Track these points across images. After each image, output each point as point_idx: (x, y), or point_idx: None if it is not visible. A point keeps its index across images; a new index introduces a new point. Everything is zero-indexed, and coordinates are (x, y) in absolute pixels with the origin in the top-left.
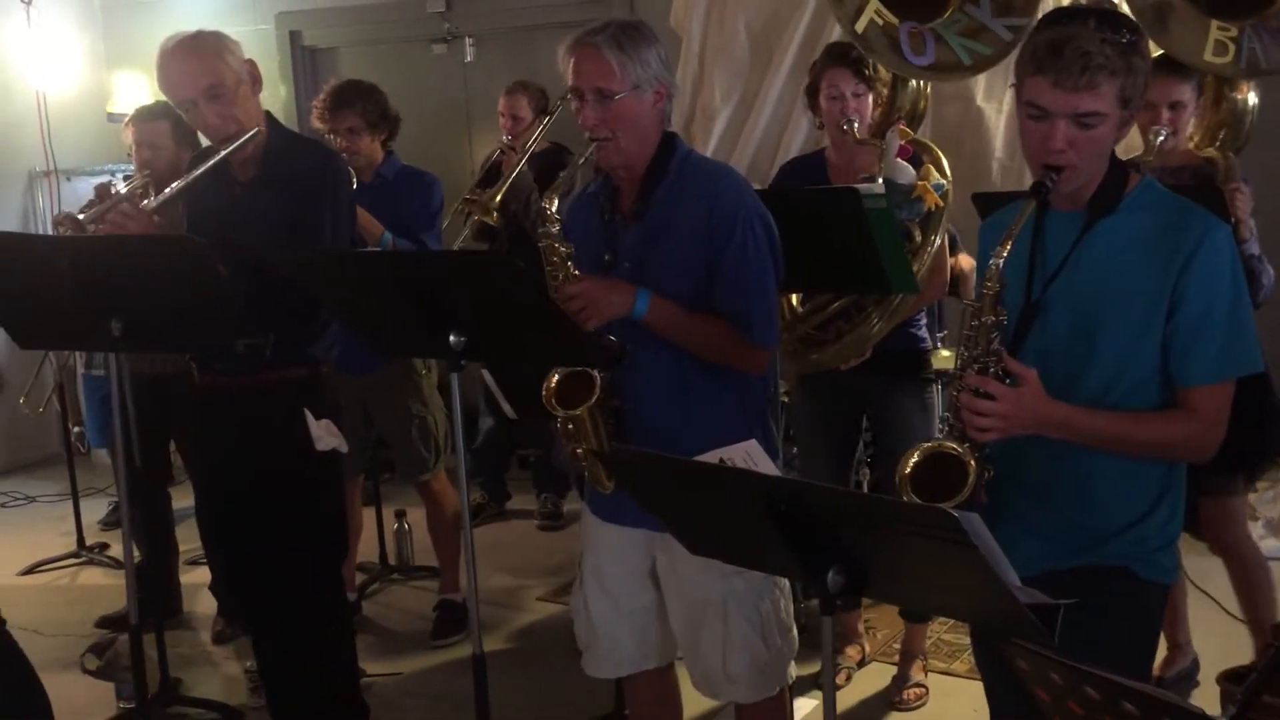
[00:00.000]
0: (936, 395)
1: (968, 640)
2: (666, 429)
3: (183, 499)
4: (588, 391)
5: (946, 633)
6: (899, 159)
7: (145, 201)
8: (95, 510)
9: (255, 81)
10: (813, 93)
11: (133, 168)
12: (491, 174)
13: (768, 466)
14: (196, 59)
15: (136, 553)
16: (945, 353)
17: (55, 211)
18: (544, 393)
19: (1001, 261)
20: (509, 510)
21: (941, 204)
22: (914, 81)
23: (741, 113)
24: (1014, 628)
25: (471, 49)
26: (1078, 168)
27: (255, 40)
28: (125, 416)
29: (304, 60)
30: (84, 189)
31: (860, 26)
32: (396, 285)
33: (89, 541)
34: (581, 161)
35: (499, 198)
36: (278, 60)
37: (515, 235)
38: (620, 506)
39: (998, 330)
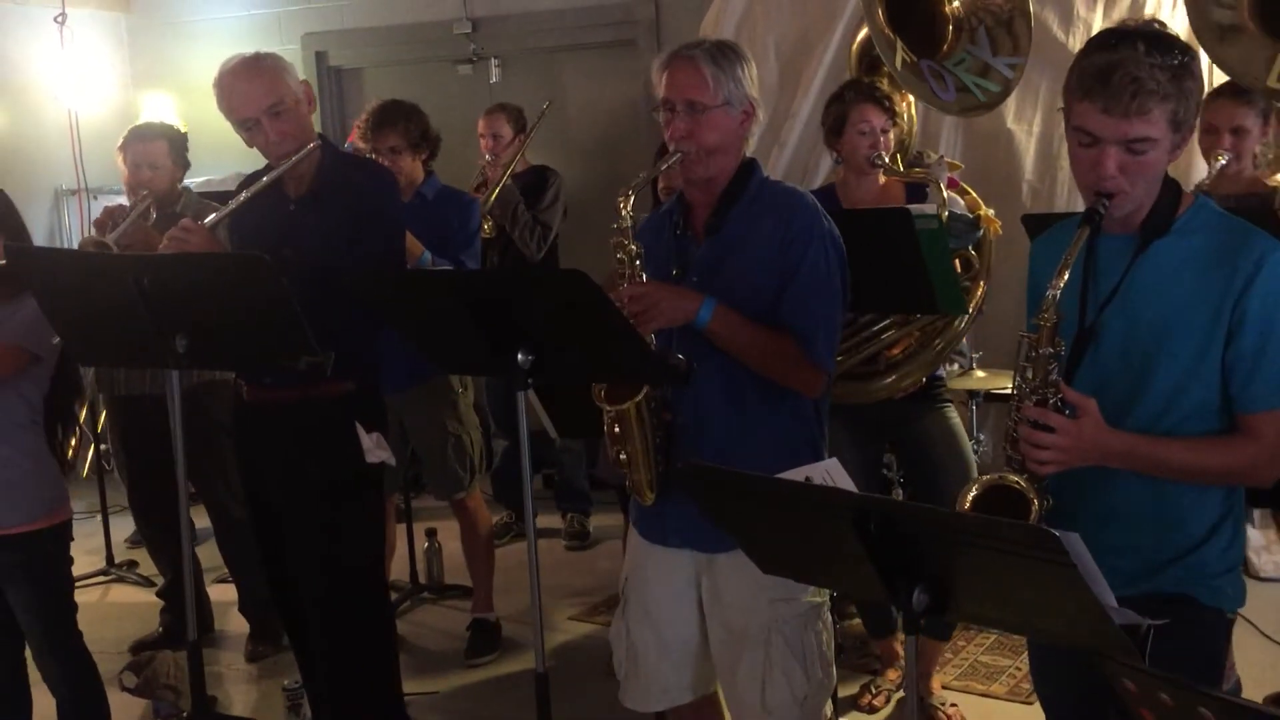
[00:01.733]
0: (956, 414)
1: (1005, 662)
2: (718, 445)
3: (198, 520)
4: (633, 390)
5: (984, 654)
6: (949, 190)
7: (207, 219)
8: (122, 528)
9: (310, 101)
10: (838, 128)
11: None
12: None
13: (848, 486)
14: (260, 79)
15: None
16: (980, 373)
17: (84, 229)
18: (594, 388)
19: (1058, 293)
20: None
21: (1000, 232)
22: (908, 114)
23: (770, 135)
24: (1106, 648)
25: (497, 70)
26: (1129, 193)
27: None
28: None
29: (330, 81)
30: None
31: (898, 65)
32: (464, 303)
33: (117, 559)
34: (665, 167)
35: (488, 206)
36: None
37: (504, 246)
38: (665, 526)
39: (1055, 361)
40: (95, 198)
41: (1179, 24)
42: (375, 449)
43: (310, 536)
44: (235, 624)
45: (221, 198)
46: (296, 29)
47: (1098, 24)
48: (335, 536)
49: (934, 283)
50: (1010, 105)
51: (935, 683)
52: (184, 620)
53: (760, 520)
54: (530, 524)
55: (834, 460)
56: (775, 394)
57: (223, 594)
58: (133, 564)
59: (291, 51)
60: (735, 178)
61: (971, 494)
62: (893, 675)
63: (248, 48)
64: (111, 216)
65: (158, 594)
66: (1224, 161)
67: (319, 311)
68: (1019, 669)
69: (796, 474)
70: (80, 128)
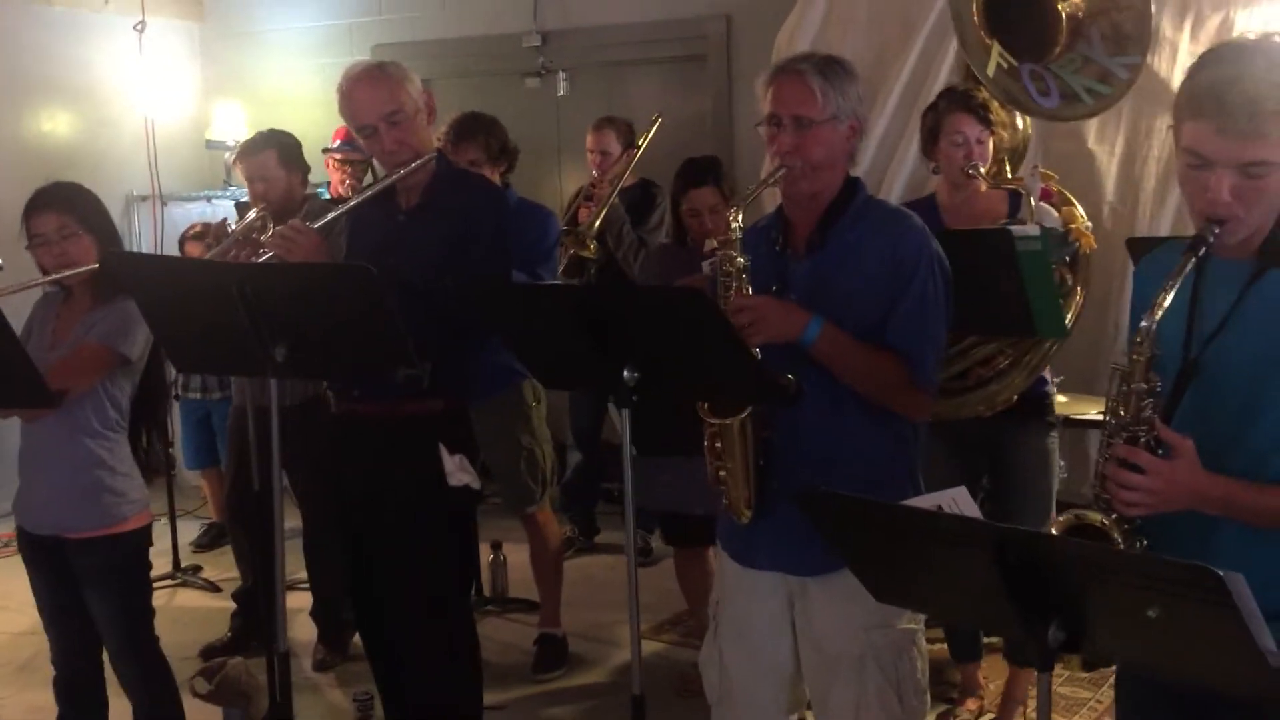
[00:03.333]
0: (1056, 442)
1: (1085, 694)
2: (816, 464)
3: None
4: (739, 405)
5: (1062, 685)
6: (1043, 202)
7: (313, 223)
8: (187, 532)
9: (430, 112)
10: (932, 138)
11: (235, 197)
12: (575, 210)
13: (974, 514)
14: (381, 86)
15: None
16: (1061, 398)
17: (156, 236)
18: (699, 403)
19: (1154, 325)
20: (599, 544)
21: (1094, 245)
22: (1019, 123)
23: None
24: (1261, 694)
25: (565, 83)
26: (1243, 219)
27: None
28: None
29: None
30: (180, 214)
31: (990, 71)
32: (574, 318)
33: (183, 564)
34: (772, 182)
35: (595, 227)
36: None
37: (604, 267)
38: (756, 548)
39: (1150, 397)
40: (165, 204)
41: None
42: (458, 472)
43: (392, 556)
44: (303, 631)
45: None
46: (367, 40)
47: (1184, 45)
48: (418, 557)
49: (1032, 306)
50: (1092, 126)
51: (1020, 714)
52: (256, 625)
53: (886, 549)
54: (631, 552)
55: (961, 489)
56: (878, 414)
57: (294, 602)
58: (197, 568)
59: None
60: (839, 194)
61: (1053, 531)
62: (971, 705)
63: (318, 58)
64: (213, 234)
65: (233, 596)
66: None
67: (417, 325)
68: (1099, 702)
69: (925, 501)
70: (155, 135)
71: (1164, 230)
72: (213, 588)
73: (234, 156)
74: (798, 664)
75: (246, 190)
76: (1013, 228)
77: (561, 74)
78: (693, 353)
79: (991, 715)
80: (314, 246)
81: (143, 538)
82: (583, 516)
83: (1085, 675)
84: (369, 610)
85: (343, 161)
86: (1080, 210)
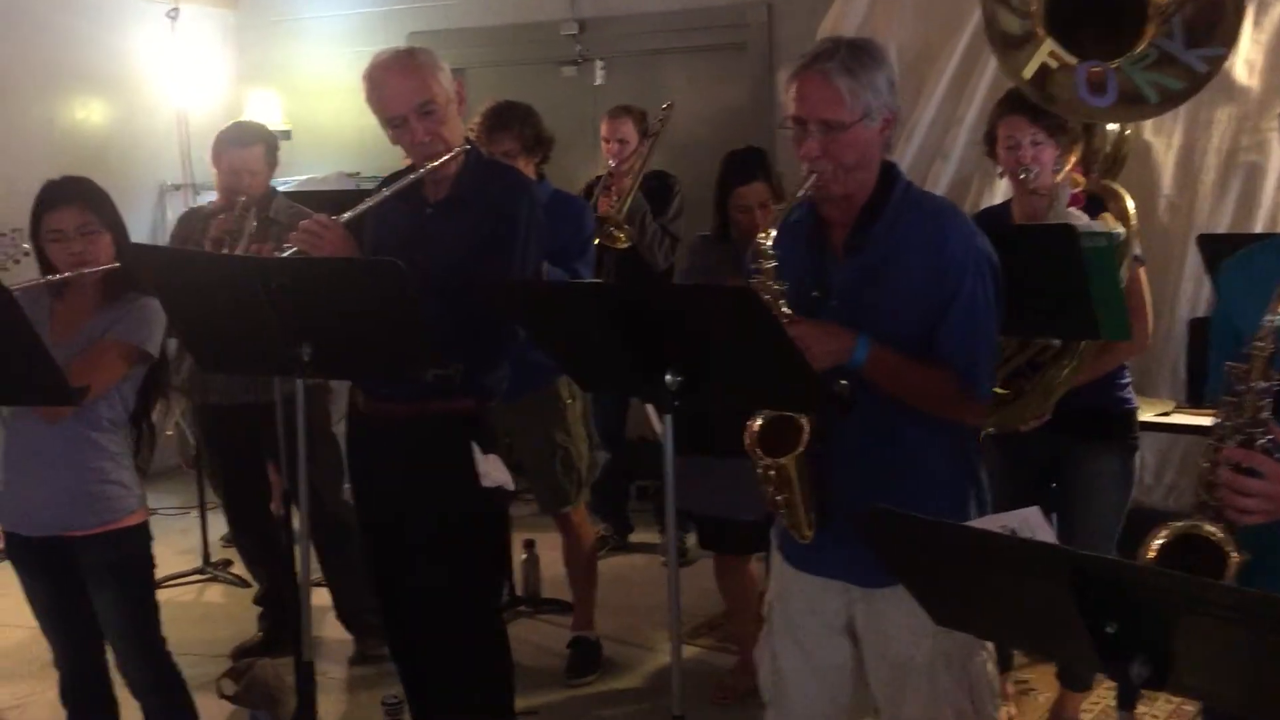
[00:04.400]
0: (1136, 460)
1: (1140, 710)
2: (871, 479)
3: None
4: (795, 436)
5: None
6: (1071, 208)
7: (343, 215)
8: (216, 526)
9: (461, 101)
10: (991, 141)
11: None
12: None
13: (1048, 537)
14: (413, 75)
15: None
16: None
17: None
18: (747, 438)
19: (1278, 319)
20: (632, 544)
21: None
22: (1111, 124)
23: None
24: None
25: (602, 72)
26: None
27: None
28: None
29: None
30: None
31: (1028, 73)
32: (614, 318)
33: (213, 558)
34: (802, 194)
35: (623, 214)
36: None
37: (622, 257)
38: (818, 555)
39: (1269, 397)
40: (198, 194)
41: None
42: (492, 472)
43: (425, 558)
44: (330, 630)
45: (319, 198)
46: (403, 27)
47: (1246, 34)
48: (451, 559)
49: (1097, 307)
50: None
51: None
52: (283, 626)
53: (950, 572)
54: (674, 565)
55: (1034, 509)
56: (931, 421)
57: (317, 598)
58: (227, 563)
59: None
60: (876, 190)
61: (1158, 542)
62: (1000, 716)
63: (353, 46)
64: (227, 233)
65: (255, 601)
66: None
67: (447, 322)
68: (1155, 717)
69: (991, 522)
70: (189, 124)
71: (1223, 225)
72: (242, 583)
73: (217, 147)
74: (858, 668)
75: (223, 182)
76: (1079, 225)
77: (599, 62)
78: (741, 357)
79: None
80: (341, 241)
81: (146, 533)
82: (615, 515)
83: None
84: (398, 613)
85: None
86: (1130, 205)
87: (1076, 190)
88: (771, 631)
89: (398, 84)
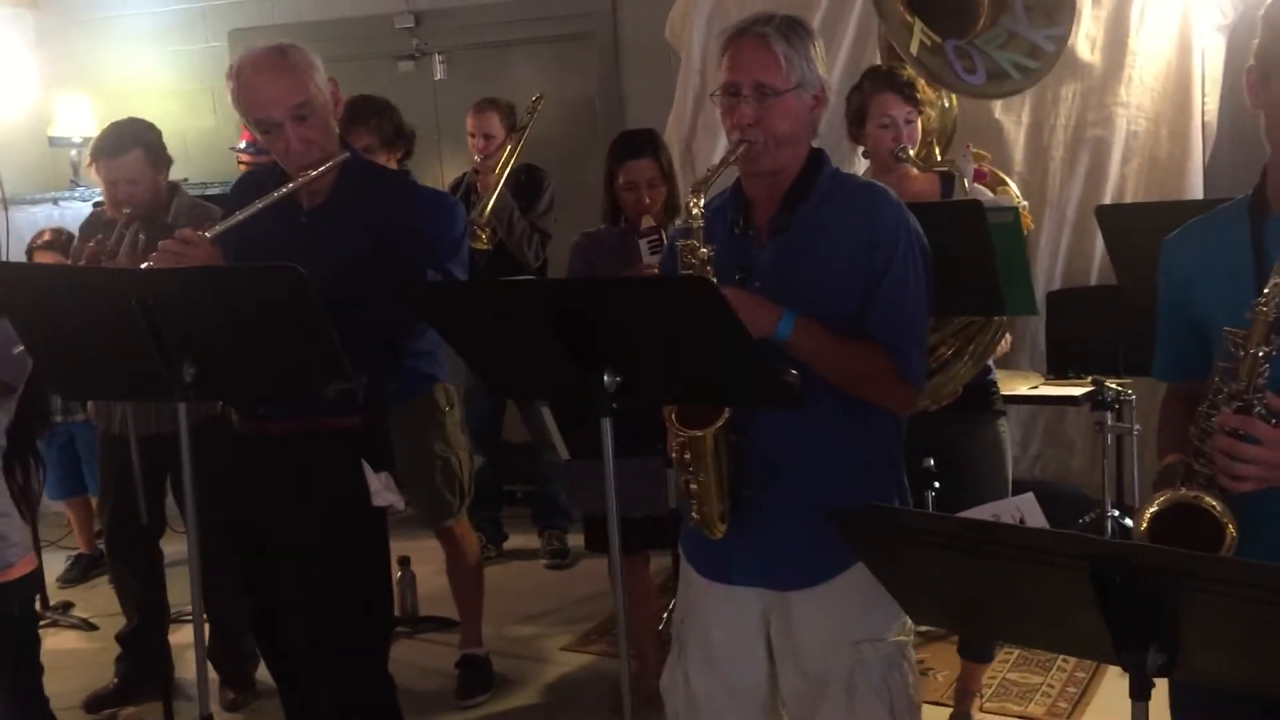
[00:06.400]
0: (1006, 429)
1: (1036, 679)
2: (794, 469)
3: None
4: (714, 412)
5: (1011, 672)
6: (978, 184)
7: (210, 231)
8: (52, 567)
9: (338, 104)
10: (859, 120)
11: (84, 197)
12: (464, 198)
13: (1041, 523)
14: (287, 76)
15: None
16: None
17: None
18: (666, 410)
19: None
20: (508, 551)
21: (1033, 226)
22: (944, 101)
23: None
24: None
25: (442, 66)
26: None
27: (204, 59)
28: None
29: None
30: (25, 219)
31: (914, 49)
32: (543, 317)
33: (52, 600)
34: (733, 160)
35: (485, 216)
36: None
37: (494, 257)
38: (729, 562)
39: (1268, 363)
40: (6, 209)
41: None
42: (383, 491)
43: (309, 584)
44: (192, 670)
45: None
46: (222, 24)
47: (1086, 11)
48: (337, 584)
49: (1003, 283)
50: None
51: (975, 706)
52: (145, 669)
53: (946, 569)
54: (617, 585)
55: (1029, 495)
56: (858, 410)
57: (179, 636)
58: (68, 605)
59: (216, 49)
60: (803, 170)
61: (1150, 511)
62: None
63: (169, 45)
64: (101, 250)
65: (118, 637)
66: None
67: (349, 333)
68: (1051, 686)
69: (981, 512)
70: None
71: (1074, 200)
72: (88, 626)
73: (91, 156)
74: (774, 687)
75: (104, 193)
76: (984, 200)
77: (438, 56)
78: (689, 350)
79: (939, 705)
80: (209, 258)
81: (31, 585)
82: (489, 524)
83: (1030, 658)
84: (278, 641)
85: (250, 164)
86: (1015, 189)
87: (979, 166)
88: (683, 652)
89: (269, 85)
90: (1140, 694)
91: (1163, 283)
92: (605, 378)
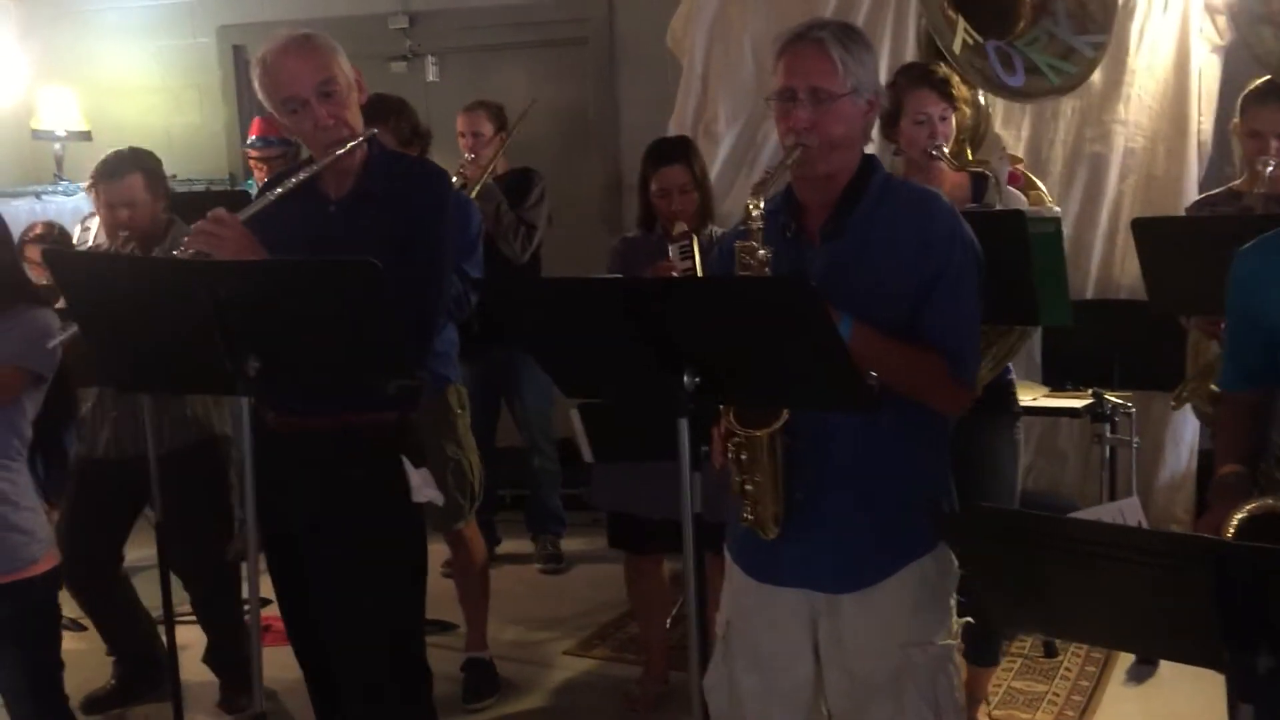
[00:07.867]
0: (1021, 433)
1: (1040, 688)
2: (847, 472)
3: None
4: (770, 415)
5: (1016, 680)
6: (1010, 186)
7: (241, 213)
8: None
9: (362, 91)
10: (893, 118)
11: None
12: None
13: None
14: (312, 55)
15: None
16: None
17: None
18: (724, 412)
19: None
20: (501, 555)
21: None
22: (980, 99)
23: (747, 136)
24: None
25: (434, 68)
26: None
27: (193, 55)
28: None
29: (247, 79)
30: (7, 212)
31: (957, 47)
32: (624, 316)
33: None
34: (790, 164)
35: None
36: (219, 76)
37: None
38: (778, 562)
39: None
40: None
41: None
42: (423, 486)
43: (350, 584)
44: (196, 672)
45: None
46: (211, 20)
47: None
48: (373, 585)
49: (1039, 293)
50: (998, 109)
51: (983, 713)
52: (140, 671)
53: (1053, 573)
54: (690, 585)
55: (1133, 499)
56: (911, 416)
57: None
58: None
59: (205, 45)
60: (856, 175)
61: (1239, 518)
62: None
63: (157, 40)
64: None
65: (109, 653)
66: (1270, 167)
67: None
68: (1057, 694)
69: (1087, 515)
70: None
71: (1071, 215)
72: (77, 627)
73: (90, 181)
74: (817, 688)
75: (102, 219)
76: (1027, 209)
77: (431, 58)
78: (772, 351)
79: None
80: (242, 239)
81: (54, 580)
82: (483, 527)
83: (1034, 666)
84: (308, 637)
85: (259, 159)
86: (1047, 193)
87: (1013, 169)
88: (729, 653)
89: (296, 64)
90: (1247, 695)
91: (1233, 293)
92: (685, 378)
